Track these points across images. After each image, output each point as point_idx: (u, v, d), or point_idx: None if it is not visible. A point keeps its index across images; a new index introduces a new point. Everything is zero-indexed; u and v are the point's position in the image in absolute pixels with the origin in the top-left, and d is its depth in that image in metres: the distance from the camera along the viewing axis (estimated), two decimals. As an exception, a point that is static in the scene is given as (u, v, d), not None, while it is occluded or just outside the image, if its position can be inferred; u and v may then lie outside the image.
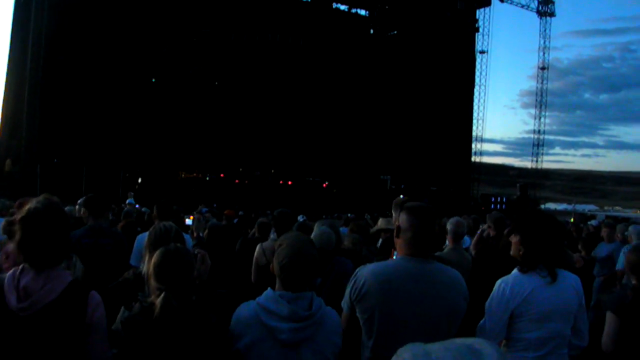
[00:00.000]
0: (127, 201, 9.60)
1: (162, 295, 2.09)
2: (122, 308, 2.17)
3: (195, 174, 25.91)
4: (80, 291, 2.11)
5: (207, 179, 26.12)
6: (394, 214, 4.66)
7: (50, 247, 2.07)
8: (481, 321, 2.65)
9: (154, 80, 25.65)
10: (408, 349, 0.78)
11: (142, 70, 24.79)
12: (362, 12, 31.51)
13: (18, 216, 2.13)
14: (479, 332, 2.61)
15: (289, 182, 27.33)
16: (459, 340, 0.78)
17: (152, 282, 2.19)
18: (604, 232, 7.78)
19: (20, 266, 2.08)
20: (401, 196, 4.83)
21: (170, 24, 24.71)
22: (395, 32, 31.10)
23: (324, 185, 28.84)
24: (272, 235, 4.78)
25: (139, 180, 22.48)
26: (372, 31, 31.67)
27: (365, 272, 2.47)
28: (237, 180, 26.57)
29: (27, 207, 2.12)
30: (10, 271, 2.08)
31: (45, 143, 21.18)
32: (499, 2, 30.78)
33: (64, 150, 21.52)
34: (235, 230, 7.38)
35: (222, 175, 26.66)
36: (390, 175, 29.79)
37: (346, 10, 30.82)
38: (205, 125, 26.29)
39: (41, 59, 21.23)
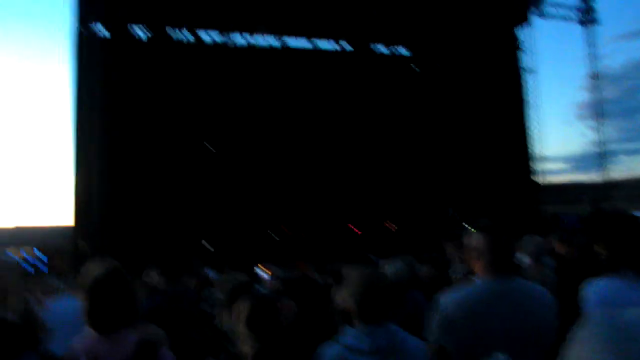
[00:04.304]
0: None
1: (254, 343, 2.09)
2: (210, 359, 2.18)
3: (260, 231, 26.07)
4: (149, 349, 2.13)
5: (273, 235, 26.28)
6: (448, 248, 4.58)
7: (116, 312, 2.12)
8: None
9: (210, 146, 26.28)
10: None
11: (197, 137, 25.50)
12: (403, 51, 31.65)
13: (83, 284, 2.16)
14: None
15: (351, 227, 27.20)
16: None
17: (242, 331, 2.19)
18: None
19: (88, 332, 2.11)
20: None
21: (217, 89, 25.46)
22: (439, 65, 31.11)
23: (387, 225, 28.55)
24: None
25: (206, 244, 22.84)
26: (414, 68, 31.76)
27: (448, 299, 2.39)
28: (303, 234, 26.62)
29: (90, 275, 2.16)
30: (79, 337, 2.12)
31: (115, 221, 21.87)
32: (539, 19, 30.49)
33: (132, 227, 22.16)
34: (308, 282, 7.33)
35: (286, 230, 26.78)
36: (453, 207, 29.29)
37: (387, 53, 31.04)
38: (263, 181, 26.61)
39: (106, 142, 22.10)
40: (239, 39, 26.83)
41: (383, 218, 28.72)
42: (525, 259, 4.75)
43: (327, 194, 27.56)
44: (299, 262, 7.71)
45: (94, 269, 2.17)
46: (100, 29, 23.24)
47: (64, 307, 5.11)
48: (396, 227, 28.39)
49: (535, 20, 30.75)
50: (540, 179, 33.86)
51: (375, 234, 26.54)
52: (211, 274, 9.78)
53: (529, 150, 31.87)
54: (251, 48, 27.06)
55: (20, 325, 2.29)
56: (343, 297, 2.43)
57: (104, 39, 23.25)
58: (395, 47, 31.25)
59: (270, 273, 5.42)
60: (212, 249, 22.49)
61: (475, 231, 2.44)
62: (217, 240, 23.89)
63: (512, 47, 30.36)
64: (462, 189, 29.32)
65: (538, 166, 33.35)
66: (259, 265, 9.91)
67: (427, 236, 22.60)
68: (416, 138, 29.62)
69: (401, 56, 31.72)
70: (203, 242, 22.93)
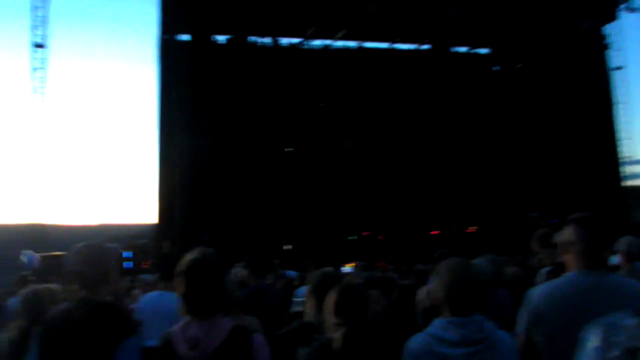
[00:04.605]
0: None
1: (343, 329, 2.11)
2: (300, 347, 2.22)
3: (338, 235, 26.12)
4: (244, 335, 2.19)
5: (350, 238, 26.29)
6: (535, 248, 4.47)
7: (211, 295, 2.19)
8: None
9: (289, 149, 26.61)
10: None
11: (277, 141, 25.87)
12: (483, 50, 30.99)
13: (180, 269, 2.25)
14: None
15: (434, 232, 26.81)
16: None
17: (330, 319, 2.23)
18: None
19: (186, 318, 2.19)
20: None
21: (297, 93, 25.75)
22: (521, 65, 30.27)
23: (470, 230, 28.02)
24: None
25: (287, 247, 23.16)
26: (495, 68, 31.02)
27: (537, 293, 2.36)
28: (380, 237, 26.53)
29: (186, 259, 2.25)
30: (179, 323, 2.21)
31: (196, 223, 22.45)
32: (628, 14, 29.00)
33: (215, 227, 22.74)
34: (388, 281, 7.33)
35: (366, 233, 26.76)
36: (538, 212, 28.40)
37: (466, 51, 30.43)
38: (341, 187, 26.65)
39: (186, 154, 22.74)
40: (318, 42, 27.10)
41: (465, 221, 28.22)
42: (615, 260, 4.58)
43: (405, 196, 27.36)
44: (380, 263, 7.71)
45: (189, 255, 2.26)
46: (183, 36, 24.02)
47: (154, 301, 5.32)
48: (476, 229, 27.87)
49: (624, 16, 29.36)
50: (630, 183, 32.42)
51: (456, 236, 26.14)
52: (293, 274, 9.94)
53: (618, 152, 30.54)
54: (329, 50, 27.25)
55: (122, 311, 2.41)
56: (433, 288, 2.42)
57: (187, 44, 24.02)
58: (475, 47, 30.68)
59: (354, 269, 5.47)
60: (293, 251, 22.78)
61: (566, 225, 2.39)
62: (298, 242, 24.17)
63: (599, 45, 29.18)
64: (547, 192, 28.43)
65: (627, 169, 31.97)
66: (344, 264, 9.97)
67: (511, 240, 22.08)
68: (499, 140, 28.94)
69: (481, 55, 31.11)
70: (285, 246, 23.23)
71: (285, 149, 26.73)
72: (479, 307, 2.21)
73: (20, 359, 2.32)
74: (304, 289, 4.37)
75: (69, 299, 2.43)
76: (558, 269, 3.53)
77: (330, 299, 2.26)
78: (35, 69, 28.08)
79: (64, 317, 2.27)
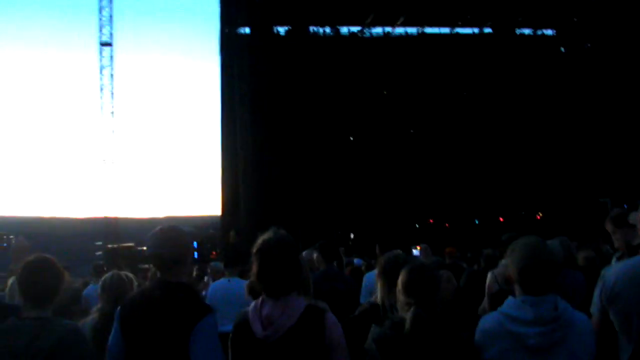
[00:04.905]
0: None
1: (413, 308, 2.12)
2: (373, 326, 2.23)
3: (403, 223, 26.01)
4: (317, 314, 2.22)
5: (417, 226, 26.13)
6: (611, 230, 4.36)
7: (285, 275, 2.22)
8: None
9: (352, 138, 26.60)
10: None
11: (341, 129, 25.88)
12: (549, 32, 30.09)
13: (254, 249, 2.30)
14: None
15: (500, 219, 26.38)
16: None
17: (401, 298, 2.24)
18: None
19: (261, 297, 2.24)
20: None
21: (359, 81, 25.66)
22: (589, 44, 29.22)
23: (538, 217, 27.45)
24: (503, 262, 4.64)
25: (352, 236, 23.23)
26: (562, 49, 30.09)
27: (613, 271, 2.31)
28: (447, 224, 26.29)
29: (260, 240, 2.30)
30: (253, 303, 2.26)
31: (260, 213, 22.73)
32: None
33: (279, 217, 22.94)
34: (458, 267, 7.27)
35: (430, 220, 26.57)
36: (610, 197, 27.47)
37: (531, 33, 29.61)
38: (406, 174, 26.48)
39: (249, 139, 23.01)
40: (378, 30, 26.95)
41: (534, 208, 27.57)
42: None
43: (472, 182, 26.93)
44: (449, 248, 7.67)
45: (263, 236, 2.31)
46: (244, 28, 24.29)
47: (222, 288, 5.47)
48: (544, 216, 27.21)
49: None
50: None
51: (524, 223, 25.60)
52: (359, 262, 9.99)
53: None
54: (390, 37, 27.08)
55: (197, 291, 2.48)
56: (506, 267, 2.40)
57: (248, 36, 24.29)
58: (540, 28, 29.81)
59: (422, 252, 5.46)
60: (358, 239, 22.83)
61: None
62: (363, 230, 24.19)
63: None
64: (619, 177, 27.44)
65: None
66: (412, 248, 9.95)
67: (583, 226, 21.47)
68: (568, 124, 28.08)
69: (546, 37, 30.21)
70: (351, 235, 23.30)
71: (349, 138, 26.74)
72: (552, 286, 2.17)
73: (104, 341, 2.43)
74: (372, 274, 4.40)
75: (146, 282, 2.52)
76: (629, 253, 3.45)
77: (401, 278, 2.27)
78: (102, 67, 28.99)
79: (143, 298, 2.36)
